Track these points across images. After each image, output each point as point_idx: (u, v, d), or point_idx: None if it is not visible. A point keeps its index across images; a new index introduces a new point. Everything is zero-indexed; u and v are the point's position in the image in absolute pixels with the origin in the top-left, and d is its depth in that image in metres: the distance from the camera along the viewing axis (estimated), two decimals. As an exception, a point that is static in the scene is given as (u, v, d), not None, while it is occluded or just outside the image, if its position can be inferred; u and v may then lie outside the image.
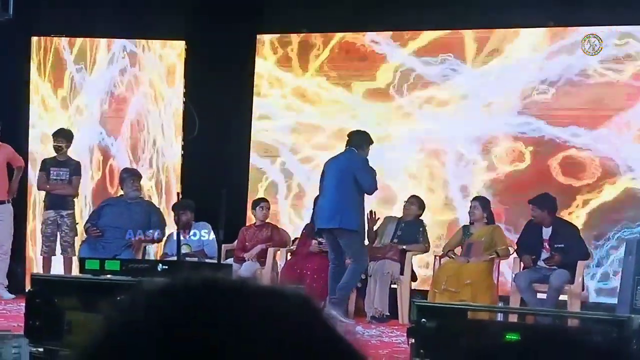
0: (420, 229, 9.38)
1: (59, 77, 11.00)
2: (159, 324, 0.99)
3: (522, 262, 8.82)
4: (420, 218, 9.46)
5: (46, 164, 10.01)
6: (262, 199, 10.05)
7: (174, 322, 0.99)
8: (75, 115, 10.93)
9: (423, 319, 4.65)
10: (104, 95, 10.93)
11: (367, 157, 8.67)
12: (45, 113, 11.00)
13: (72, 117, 10.92)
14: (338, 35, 10.56)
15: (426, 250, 9.39)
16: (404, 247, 9.21)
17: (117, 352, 0.99)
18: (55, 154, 10.06)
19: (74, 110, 10.95)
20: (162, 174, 10.85)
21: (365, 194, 8.61)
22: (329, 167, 8.75)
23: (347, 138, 8.82)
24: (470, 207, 9.20)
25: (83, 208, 10.59)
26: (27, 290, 5.09)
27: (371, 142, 8.79)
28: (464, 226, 9.28)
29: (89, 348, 1.01)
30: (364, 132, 8.92)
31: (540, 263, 8.70)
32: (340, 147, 9.09)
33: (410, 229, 9.36)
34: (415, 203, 9.46)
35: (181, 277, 1.04)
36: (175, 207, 9.42)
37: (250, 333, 0.98)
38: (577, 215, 9.49)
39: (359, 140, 8.72)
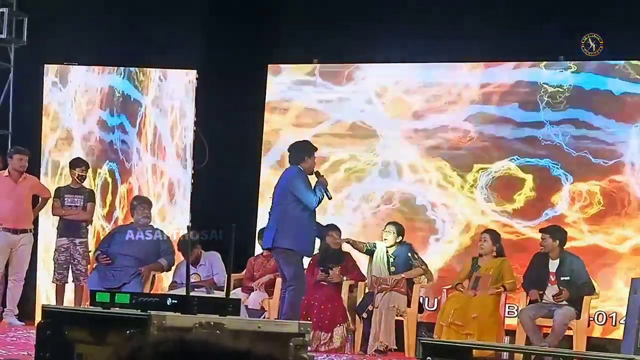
0: (409, 253, 9.38)
1: (70, 104, 11.09)
2: None
3: (528, 296, 8.86)
4: (404, 241, 9.46)
5: (60, 192, 10.12)
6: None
7: None
8: (85, 141, 11.01)
9: (428, 357, 4.72)
10: (115, 123, 11.01)
11: (312, 168, 8.38)
12: (58, 141, 11.09)
13: (81, 142, 11.00)
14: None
15: (425, 273, 9.37)
16: (403, 275, 9.24)
17: None
18: (68, 182, 10.19)
19: (84, 136, 11.03)
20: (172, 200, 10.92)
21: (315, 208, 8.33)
22: (275, 188, 8.53)
23: (288, 153, 8.58)
24: (480, 239, 9.25)
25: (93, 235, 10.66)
26: (37, 322, 5.15)
27: (313, 149, 8.46)
28: (473, 258, 9.32)
29: None
30: (303, 142, 8.65)
31: (548, 298, 8.74)
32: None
33: (400, 256, 9.34)
34: (393, 230, 9.45)
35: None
36: (183, 245, 9.43)
37: None
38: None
39: (298, 153, 8.41)
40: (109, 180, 10.93)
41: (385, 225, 9.56)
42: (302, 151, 8.43)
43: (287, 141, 10.62)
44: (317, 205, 8.29)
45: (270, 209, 8.47)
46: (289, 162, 8.50)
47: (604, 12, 9.47)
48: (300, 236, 8.27)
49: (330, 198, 8.47)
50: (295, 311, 8.24)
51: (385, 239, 9.41)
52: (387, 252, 9.37)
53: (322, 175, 8.47)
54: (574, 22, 9.53)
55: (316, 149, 8.54)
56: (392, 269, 9.30)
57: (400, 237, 9.44)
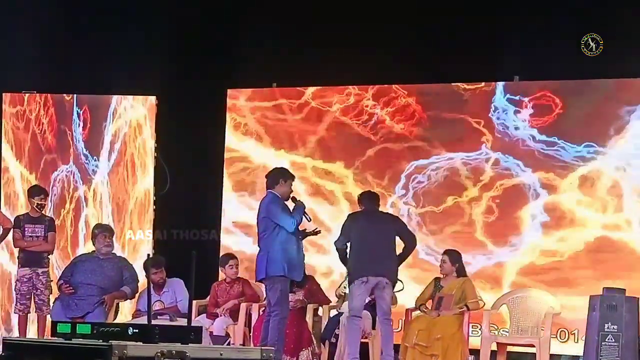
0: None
1: (30, 133, 11.05)
2: None
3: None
4: None
5: (20, 221, 10.01)
6: (230, 256, 9.91)
7: None
8: (47, 170, 10.98)
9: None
10: (76, 150, 10.99)
11: (288, 193, 8.43)
12: (20, 170, 11.05)
13: (43, 171, 10.97)
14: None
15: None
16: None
17: None
18: (27, 211, 10.12)
19: (44, 165, 11.00)
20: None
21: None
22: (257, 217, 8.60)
23: (265, 179, 8.64)
24: (441, 260, 9.28)
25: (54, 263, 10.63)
26: (-1, 355, 5.12)
27: (288, 176, 8.51)
28: (436, 278, 9.34)
29: None
30: (279, 168, 8.78)
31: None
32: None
33: None
34: None
35: None
36: (147, 266, 9.42)
37: None
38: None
39: (274, 179, 8.48)
40: (70, 206, 10.90)
41: None
42: (277, 175, 8.51)
43: (251, 165, 10.74)
44: (295, 227, 8.33)
45: (259, 240, 8.51)
46: (266, 188, 8.56)
47: (558, 31, 9.56)
48: (289, 261, 8.32)
49: (309, 220, 8.54)
50: (281, 336, 8.31)
51: None
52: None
53: (299, 200, 8.54)
54: (528, 42, 9.63)
55: (293, 176, 8.60)
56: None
57: None
